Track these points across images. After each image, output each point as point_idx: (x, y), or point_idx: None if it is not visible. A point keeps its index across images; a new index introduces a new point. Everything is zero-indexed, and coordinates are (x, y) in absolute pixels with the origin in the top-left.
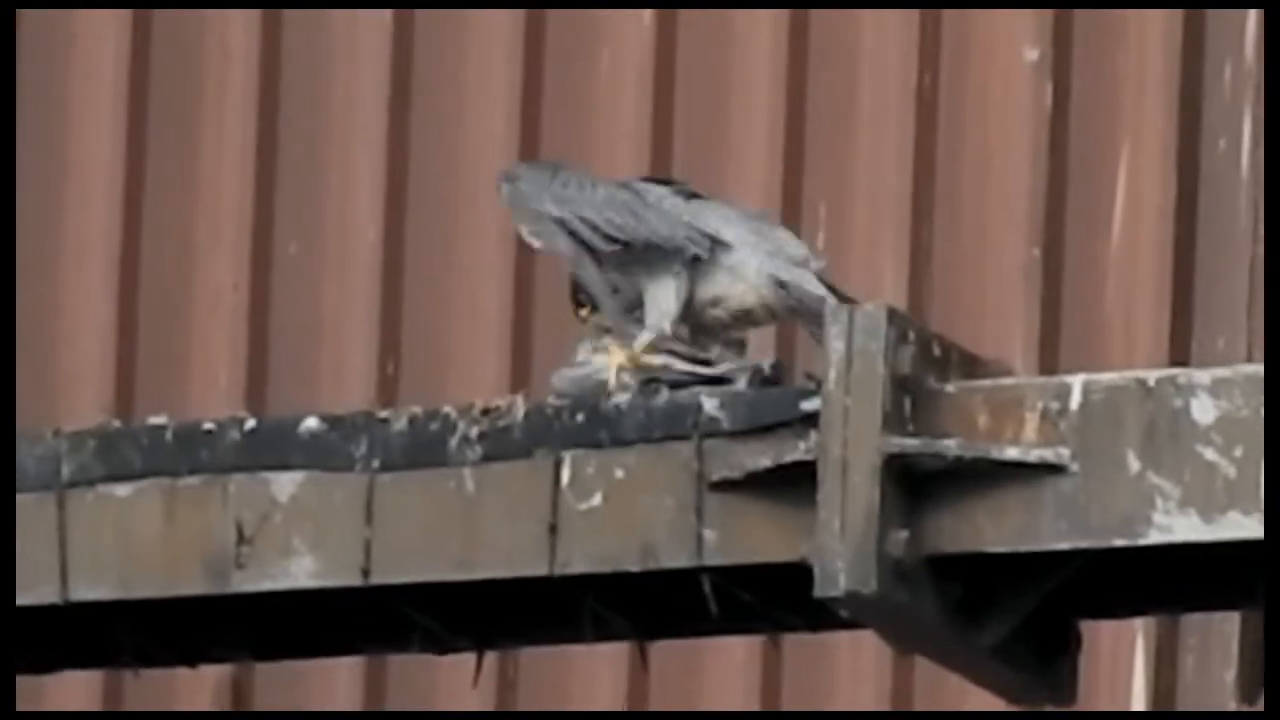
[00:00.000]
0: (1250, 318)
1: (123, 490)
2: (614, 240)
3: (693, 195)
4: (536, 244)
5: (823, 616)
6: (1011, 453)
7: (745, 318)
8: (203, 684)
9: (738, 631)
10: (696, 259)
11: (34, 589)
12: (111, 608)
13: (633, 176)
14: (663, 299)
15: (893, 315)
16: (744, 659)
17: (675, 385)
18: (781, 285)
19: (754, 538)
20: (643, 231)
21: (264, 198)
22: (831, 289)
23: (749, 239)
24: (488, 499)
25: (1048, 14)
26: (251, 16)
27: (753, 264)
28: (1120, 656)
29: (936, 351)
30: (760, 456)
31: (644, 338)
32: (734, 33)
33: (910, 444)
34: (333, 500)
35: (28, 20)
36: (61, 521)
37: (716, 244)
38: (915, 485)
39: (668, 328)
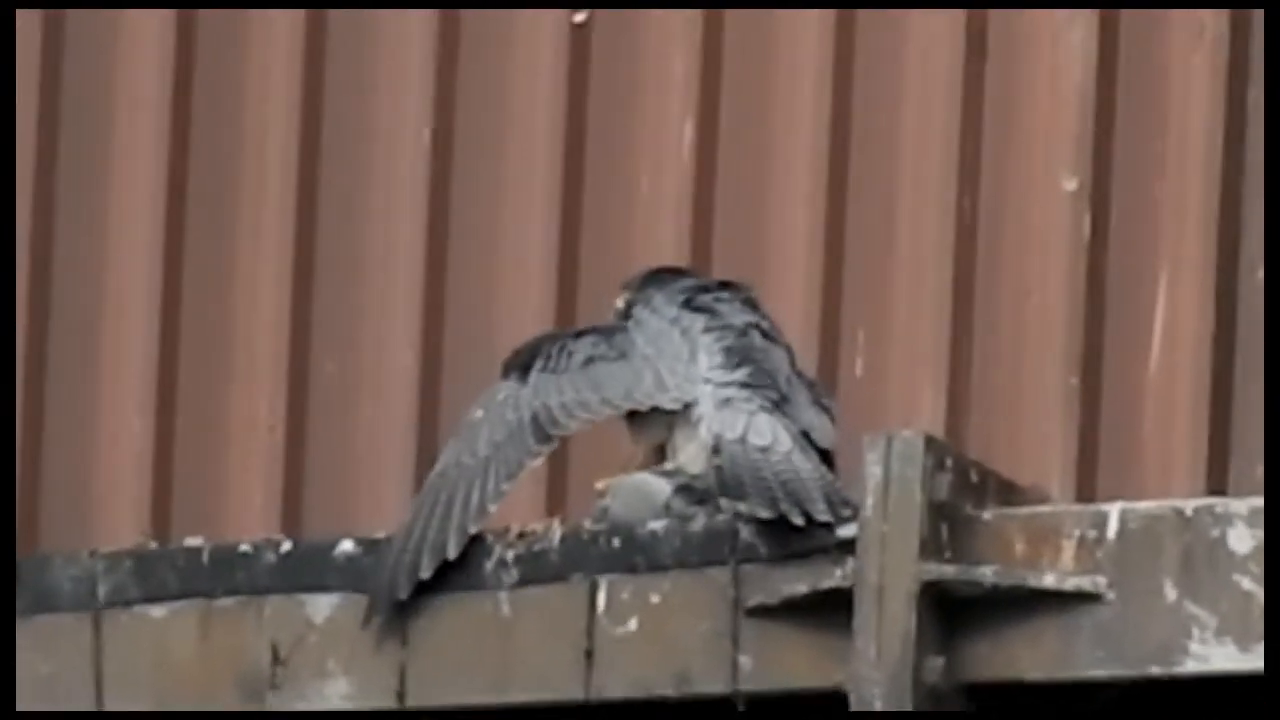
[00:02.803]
0: None
1: (159, 611)
2: (570, 420)
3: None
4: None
5: None
6: (1048, 580)
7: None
8: None
9: None
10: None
11: (69, 702)
12: None
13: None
14: (640, 433)
15: (930, 442)
16: None
17: (709, 494)
18: (717, 450)
19: (790, 664)
20: (599, 397)
21: (300, 320)
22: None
23: (712, 406)
24: (524, 623)
25: (1086, 143)
26: (288, 150)
27: (704, 426)
28: None
29: (974, 478)
30: (797, 582)
31: (627, 462)
32: (772, 156)
33: (947, 571)
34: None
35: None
36: (97, 643)
37: (671, 395)
38: (952, 612)
39: (644, 455)
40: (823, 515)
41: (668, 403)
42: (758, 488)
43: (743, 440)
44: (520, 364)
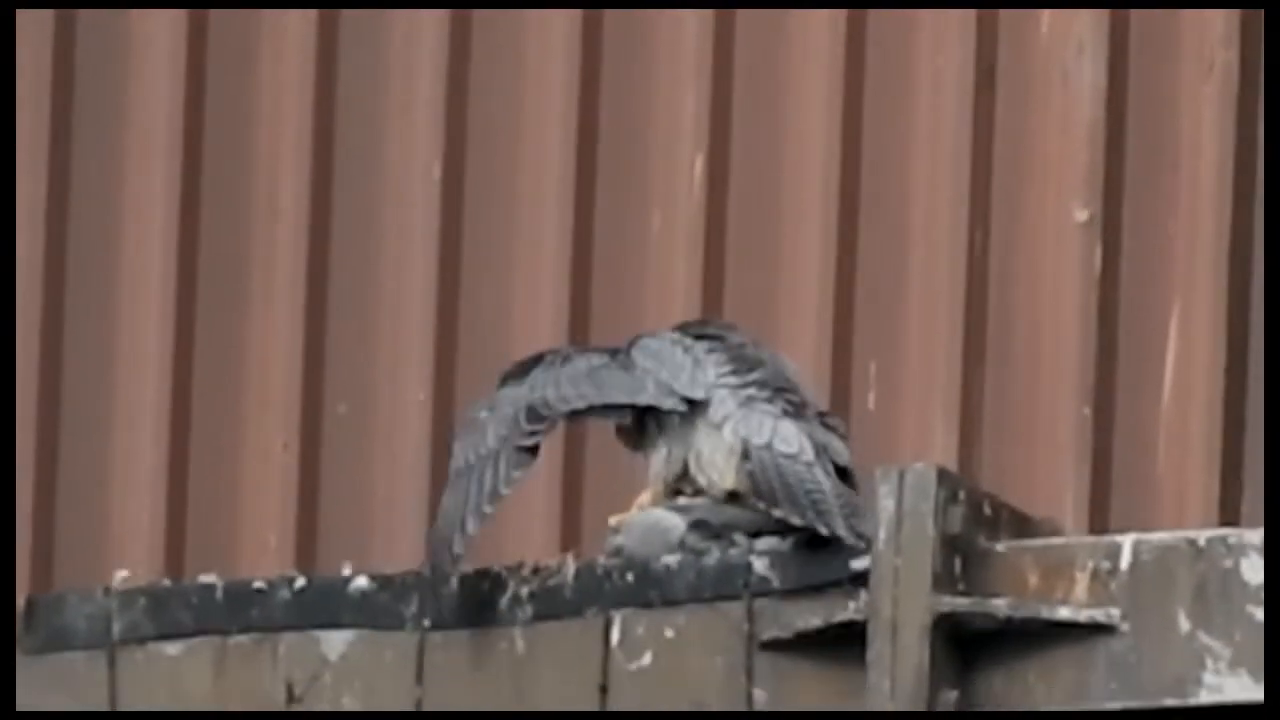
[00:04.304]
0: None
1: (173, 649)
2: (568, 411)
3: (730, 350)
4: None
5: None
6: (1062, 612)
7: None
8: None
9: None
10: (675, 413)
11: None
12: None
13: (692, 321)
14: (656, 460)
15: (943, 475)
16: None
17: (725, 528)
18: (746, 456)
19: (804, 698)
20: (601, 396)
21: (314, 358)
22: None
23: (734, 405)
24: (538, 658)
25: (1097, 175)
26: (300, 187)
27: (728, 427)
28: None
29: (987, 511)
30: (810, 616)
31: (641, 497)
32: (783, 190)
33: (961, 604)
34: (383, 659)
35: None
36: (112, 680)
37: (693, 402)
38: (966, 645)
39: (661, 486)
40: (843, 533)
41: (670, 405)
42: (787, 495)
43: (769, 446)
44: (520, 371)
